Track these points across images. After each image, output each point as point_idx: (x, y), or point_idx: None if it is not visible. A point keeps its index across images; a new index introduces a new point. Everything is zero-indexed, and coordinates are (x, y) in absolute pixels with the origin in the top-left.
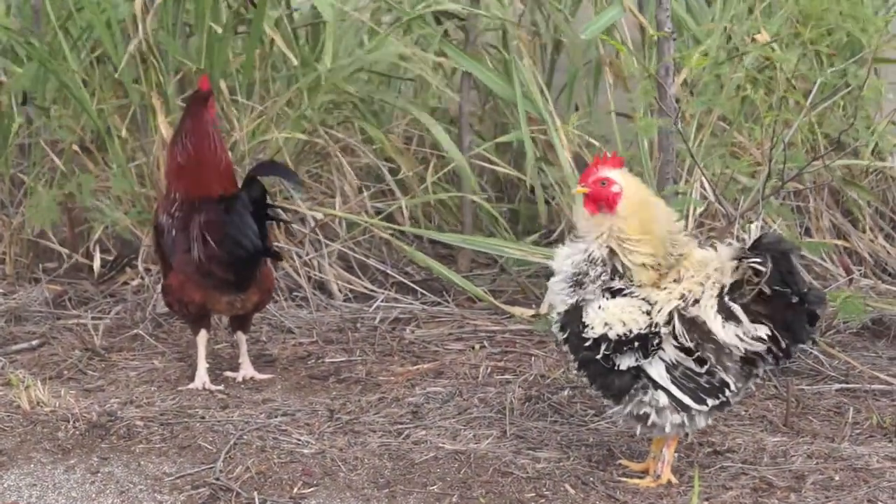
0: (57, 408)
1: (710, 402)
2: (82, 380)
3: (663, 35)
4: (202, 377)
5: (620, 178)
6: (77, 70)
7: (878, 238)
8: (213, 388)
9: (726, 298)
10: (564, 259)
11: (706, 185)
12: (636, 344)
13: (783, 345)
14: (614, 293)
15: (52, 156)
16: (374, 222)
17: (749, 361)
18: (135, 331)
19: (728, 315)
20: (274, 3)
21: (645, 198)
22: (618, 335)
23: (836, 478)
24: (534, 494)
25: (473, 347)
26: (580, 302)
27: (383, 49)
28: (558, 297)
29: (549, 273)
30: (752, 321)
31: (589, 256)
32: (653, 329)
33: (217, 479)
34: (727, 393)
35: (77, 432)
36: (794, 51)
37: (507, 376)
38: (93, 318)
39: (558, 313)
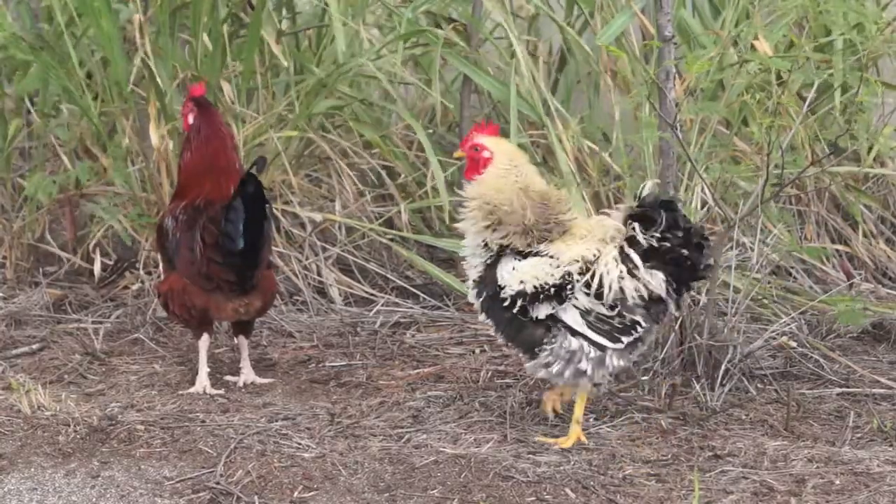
0: (57, 412)
1: (625, 339)
2: (83, 384)
3: (656, 44)
4: (203, 381)
5: (492, 144)
6: (79, 75)
7: (878, 243)
8: (214, 392)
9: (626, 248)
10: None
11: (706, 189)
12: (552, 292)
13: (677, 285)
14: (525, 255)
15: (60, 154)
16: (374, 227)
17: (653, 303)
18: (135, 335)
19: (629, 264)
20: (276, 7)
21: (516, 164)
22: (534, 288)
23: (837, 482)
24: (534, 499)
25: (474, 352)
26: (490, 265)
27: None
28: (472, 269)
29: None
30: (650, 268)
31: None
32: (565, 279)
33: (217, 483)
34: (639, 330)
35: (77, 436)
36: (792, 61)
37: (507, 380)
38: (93, 322)
39: (473, 281)
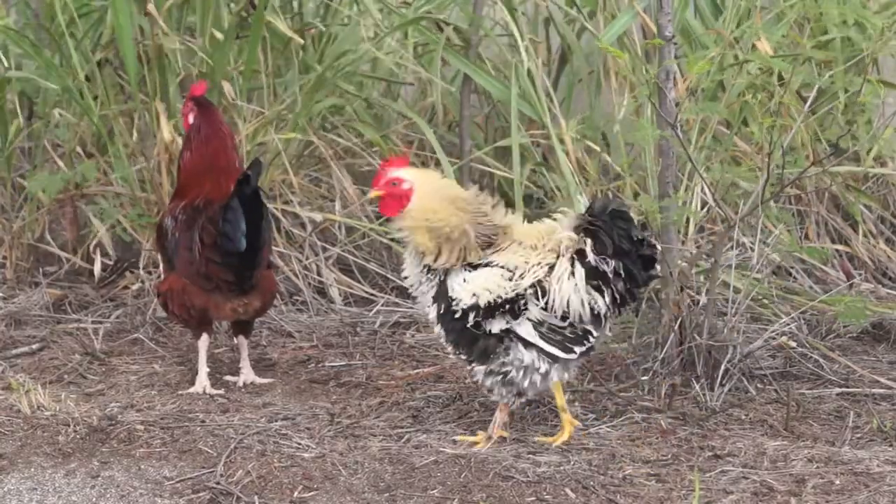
0: (57, 412)
1: (578, 349)
2: (82, 384)
3: (658, 42)
4: (203, 381)
5: (409, 175)
6: (80, 75)
7: (878, 243)
8: (214, 392)
9: (575, 261)
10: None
11: (707, 189)
12: (506, 307)
13: (626, 290)
14: (475, 266)
15: (55, 157)
16: (374, 227)
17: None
18: (135, 335)
19: (580, 276)
20: (280, 6)
21: (437, 185)
22: (487, 302)
23: (837, 482)
24: (534, 499)
25: None
26: (441, 280)
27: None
28: (425, 296)
29: None
30: (595, 287)
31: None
32: (518, 292)
33: (217, 483)
34: (591, 339)
35: (77, 436)
36: (792, 60)
37: None
38: (93, 322)
39: (431, 299)
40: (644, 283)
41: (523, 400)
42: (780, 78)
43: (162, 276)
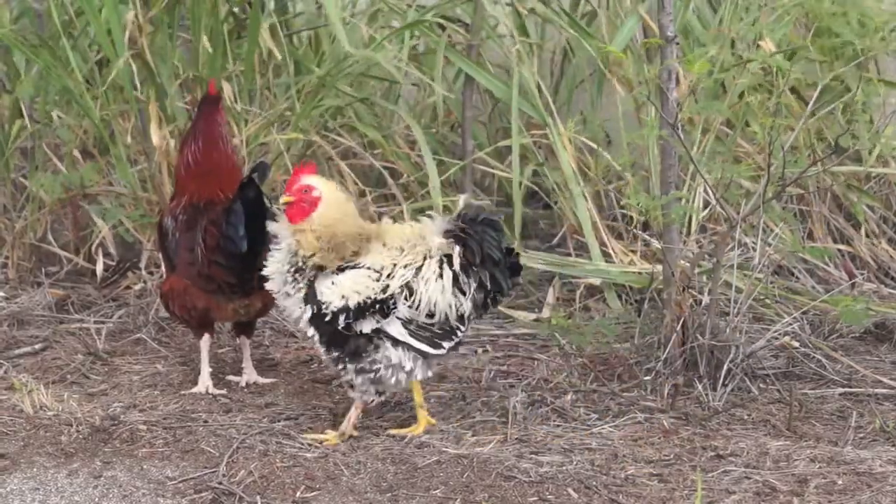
0: (60, 412)
1: (447, 344)
2: (85, 384)
3: (658, 42)
4: (205, 381)
5: (319, 183)
6: (79, 76)
7: (881, 242)
8: (216, 392)
9: (445, 265)
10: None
11: (709, 189)
12: (376, 307)
13: (492, 295)
14: (342, 269)
15: (54, 160)
16: None
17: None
18: (137, 335)
19: (447, 279)
20: (276, 8)
21: (342, 197)
22: (357, 304)
23: (839, 482)
24: (536, 499)
25: (476, 352)
26: (310, 283)
27: (380, 53)
28: (294, 298)
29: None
30: (466, 279)
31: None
32: (387, 293)
33: (220, 483)
34: (458, 335)
35: (80, 436)
36: (797, 62)
37: (510, 380)
38: (95, 322)
39: (302, 300)
40: (509, 291)
41: (381, 399)
42: (783, 76)
43: (164, 276)
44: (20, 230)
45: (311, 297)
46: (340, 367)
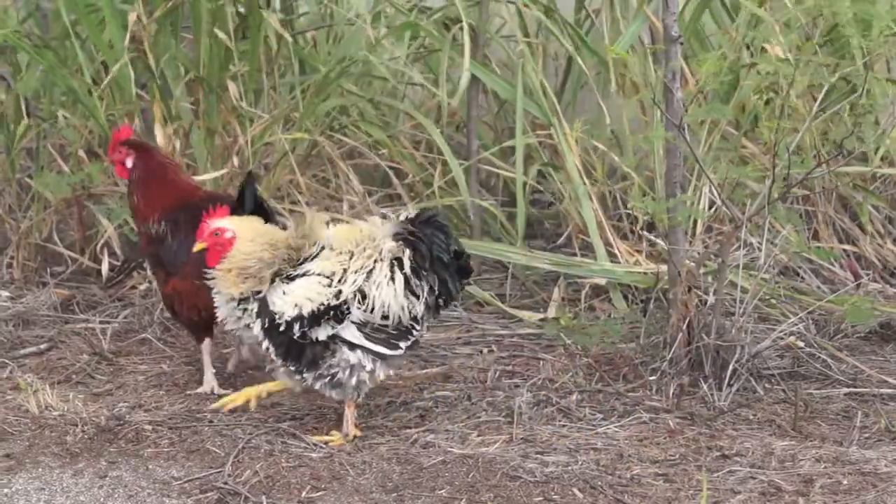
0: (65, 412)
1: (404, 344)
2: (90, 384)
3: (657, 49)
4: (210, 381)
5: (231, 224)
6: (87, 76)
7: (886, 242)
8: (222, 392)
9: (395, 268)
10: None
11: (714, 189)
12: (331, 313)
13: (443, 297)
14: (292, 278)
15: (59, 160)
16: None
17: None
18: (143, 335)
19: (399, 282)
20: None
21: (258, 232)
22: (311, 311)
23: (845, 482)
24: (542, 499)
25: (482, 352)
26: (261, 299)
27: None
28: (246, 316)
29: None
30: (418, 281)
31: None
32: (340, 299)
33: (225, 483)
34: (415, 334)
35: (85, 436)
36: (804, 67)
37: (515, 380)
38: (101, 322)
39: (255, 315)
40: (457, 294)
41: (364, 393)
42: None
43: (154, 281)
44: (25, 230)
45: (263, 309)
46: (298, 377)
